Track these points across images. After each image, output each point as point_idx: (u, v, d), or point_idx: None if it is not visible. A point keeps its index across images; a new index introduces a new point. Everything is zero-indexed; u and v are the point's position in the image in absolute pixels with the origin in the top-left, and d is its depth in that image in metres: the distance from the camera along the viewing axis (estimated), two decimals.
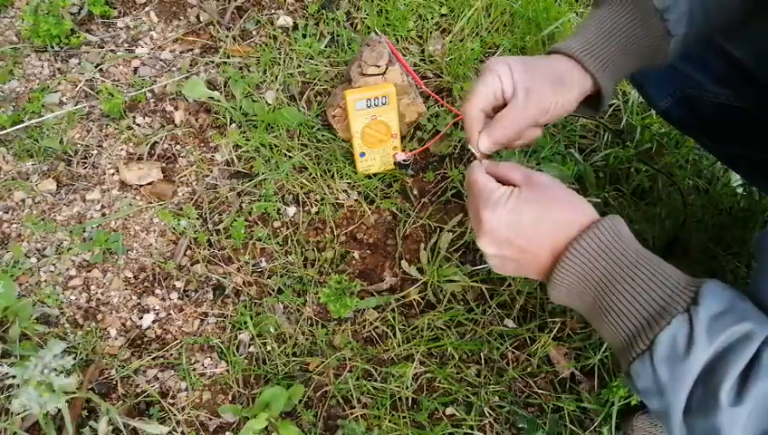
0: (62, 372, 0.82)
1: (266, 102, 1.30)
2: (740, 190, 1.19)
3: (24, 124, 1.23)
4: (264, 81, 1.33)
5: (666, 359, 0.52)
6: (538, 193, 0.61)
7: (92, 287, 1.12)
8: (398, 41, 1.39)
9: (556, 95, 0.69)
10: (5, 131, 1.24)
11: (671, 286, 0.54)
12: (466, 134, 0.72)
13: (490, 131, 0.70)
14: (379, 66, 1.16)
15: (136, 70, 1.36)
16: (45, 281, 1.12)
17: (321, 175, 1.22)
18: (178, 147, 1.27)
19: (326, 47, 1.38)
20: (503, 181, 0.65)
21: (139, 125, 1.29)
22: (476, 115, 0.71)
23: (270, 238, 1.16)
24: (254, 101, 1.29)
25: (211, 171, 1.24)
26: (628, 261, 0.56)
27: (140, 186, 1.22)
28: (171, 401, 1.03)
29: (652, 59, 0.71)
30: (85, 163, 1.24)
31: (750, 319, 0.51)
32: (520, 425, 1.01)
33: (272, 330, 1.08)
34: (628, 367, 0.55)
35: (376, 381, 1.04)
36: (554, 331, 1.07)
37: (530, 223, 0.60)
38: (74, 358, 1.00)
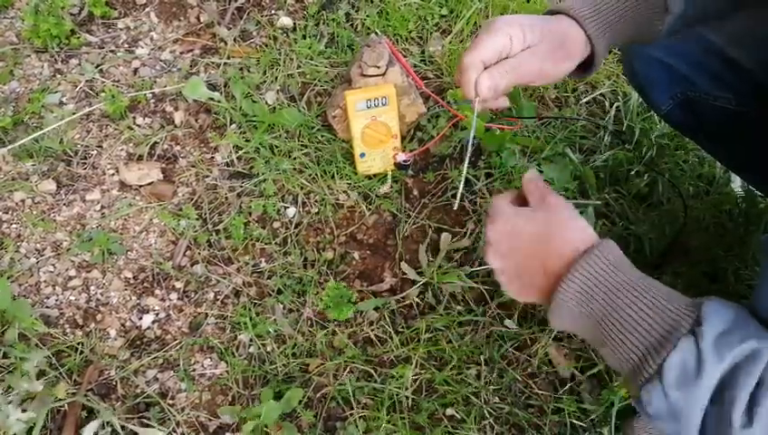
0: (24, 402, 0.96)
1: (266, 103, 1.30)
2: (740, 193, 1.19)
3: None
4: (265, 81, 1.33)
5: (676, 383, 0.52)
6: (546, 213, 0.63)
7: (92, 288, 1.12)
8: (398, 41, 1.39)
9: (558, 60, 0.70)
10: (5, 132, 1.24)
11: (673, 310, 0.54)
12: (462, 81, 0.69)
13: (492, 72, 0.68)
14: (379, 67, 1.16)
15: (136, 70, 1.36)
16: (45, 281, 1.12)
17: (321, 175, 1.22)
18: (178, 147, 1.27)
19: (326, 48, 1.38)
20: (523, 204, 0.67)
21: (139, 126, 1.29)
22: (477, 64, 0.69)
23: (270, 239, 1.16)
24: (254, 101, 1.28)
25: (211, 172, 1.24)
26: (624, 288, 0.56)
27: (140, 186, 1.22)
28: (171, 401, 1.03)
29: (646, 32, 0.71)
30: (85, 164, 1.24)
31: (755, 337, 0.51)
32: None
33: (271, 331, 1.08)
34: (638, 392, 0.55)
35: (375, 382, 1.04)
36: (555, 331, 1.06)
37: (530, 238, 0.62)
38: (46, 376, 1.02)
